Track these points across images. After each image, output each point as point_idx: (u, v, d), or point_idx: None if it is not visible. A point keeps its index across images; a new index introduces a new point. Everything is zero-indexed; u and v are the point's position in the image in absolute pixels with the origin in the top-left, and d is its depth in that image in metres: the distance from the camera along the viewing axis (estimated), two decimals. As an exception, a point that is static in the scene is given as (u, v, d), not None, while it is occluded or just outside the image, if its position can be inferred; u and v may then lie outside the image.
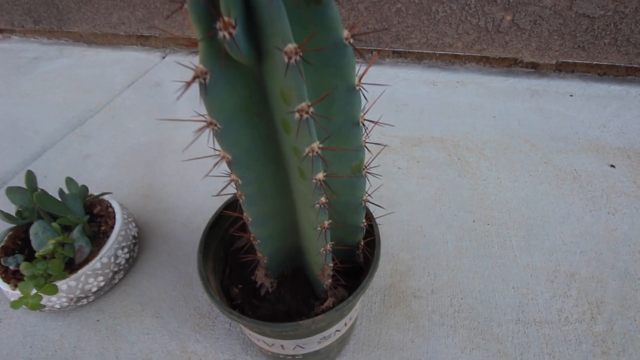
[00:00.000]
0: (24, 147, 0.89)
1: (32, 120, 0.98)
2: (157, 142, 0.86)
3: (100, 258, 0.52)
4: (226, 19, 0.16)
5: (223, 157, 0.22)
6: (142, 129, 0.91)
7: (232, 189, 0.72)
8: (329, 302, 0.32)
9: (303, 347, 0.37)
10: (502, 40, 0.96)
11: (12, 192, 0.55)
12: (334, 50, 0.19)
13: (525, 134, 0.81)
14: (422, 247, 0.60)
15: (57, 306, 0.52)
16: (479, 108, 0.90)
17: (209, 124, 0.20)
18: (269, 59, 0.18)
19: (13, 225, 0.58)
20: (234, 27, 0.16)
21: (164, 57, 1.26)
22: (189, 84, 0.19)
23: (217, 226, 0.40)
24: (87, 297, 0.53)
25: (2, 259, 0.51)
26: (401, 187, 0.71)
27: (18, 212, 0.55)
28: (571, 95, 0.92)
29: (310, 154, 0.20)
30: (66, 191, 0.59)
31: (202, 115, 0.21)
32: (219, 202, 0.70)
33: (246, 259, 0.40)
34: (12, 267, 0.51)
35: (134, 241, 0.59)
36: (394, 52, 1.07)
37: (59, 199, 0.56)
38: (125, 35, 1.32)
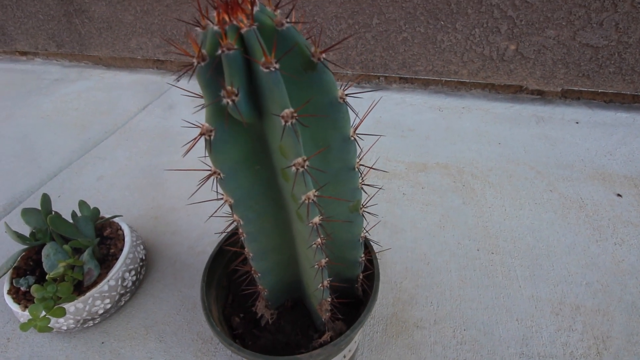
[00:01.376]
0: (41, 167, 0.92)
1: (49, 141, 1.02)
2: (168, 164, 0.89)
3: (108, 281, 0.54)
4: (229, 88, 0.18)
5: (226, 201, 0.24)
6: (154, 151, 0.94)
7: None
8: (326, 336, 0.33)
9: (302, 379, 0.37)
10: (506, 68, 0.98)
11: (27, 213, 0.58)
12: (330, 107, 0.20)
13: (530, 161, 0.81)
14: (426, 275, 0.60)
15: (64, 328, 0.53)
16: (484, 134, 0.91)
17: (213, 172, 0.22)
18: (268, 119, 0.20)
19: (26, 246, 0.60)
20: (236, 95, 0.18)
21: (178, 81, 1.30)
22: (195, 140, 0.21)
23: (221, 255, 0.41)
24: (93, 319, 0.54)
25: (14, 280, 0.53)
26: (405, 214, 0.71)
27: (32, 234, 0.57)
28: (577, 123, 0.92)
29: (307, 201, 0.22)
30: (79, 213, 0.61)
31: (207, 165, 0.23)
32: (225, 226, 0.71)
33: (247, 290, 0.41)
34: (23, 288, 0.53)
35: (141, 264, 0.61)
36: (400, 78, 1.09)
37: (72, 221, 0.58)
38: (143, 59, 1.38)
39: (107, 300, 0.54)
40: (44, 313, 0.46)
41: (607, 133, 0.88)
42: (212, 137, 0.20)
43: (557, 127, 0.91)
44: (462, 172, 0.80)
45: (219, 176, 0.22)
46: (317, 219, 0.23)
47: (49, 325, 0.46)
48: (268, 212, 0.26)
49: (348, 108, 0.21)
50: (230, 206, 0.24)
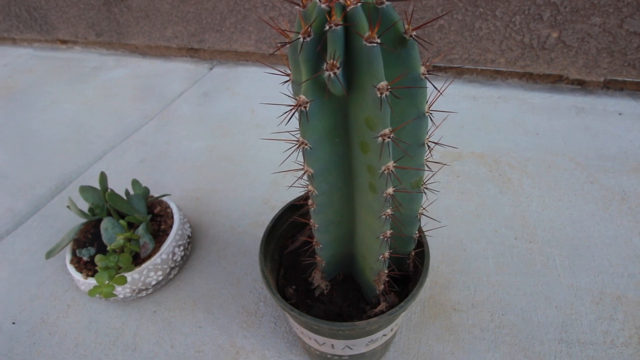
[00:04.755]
0: (87, 149, 0.98)
1: (94, 125, 1.08)
2: (206, 149, 0.92)
3: (161, 254, 0.57)
4: (333, 62, 0.19)
5: (306, 171, 0.25)
6: (192, 136, 0.98)
7: (277, 201, 0.76)
8: (382, 306, 0.35)
9: (351, 348, 0.39)
10: (547, 57, 0.95)
11: (84, 190, 0.62)
12: (413, 82, 0.22)
13: (570, 152, 0.80)
14: (462, 261, 0.61)
15: (121, 296, 0.57)
16: (521, 124, 0.89)
17: (302, 143, 0.24)
18: (359, 92, 0.21)
19: (84, 220, 0.64)
20: (338, 68, 0.19)
21: (211, 69, 1.34)
22: (293, 109, 0.22)
23: (274, 230, 0.44)
24: (146, 289, 0.58)
25: (76, 251, 0.57)
26: (441, 202, 0.72)
27: (90, 209, 0.61)
28: (620, 114, 0.89)
29: (386, 172, 0.23)
30: (131, 192, 0.65)
31: (294, 135, 0.25)
32: (263, 209, 0.74)
33: (302, 262, 0.43)
34: (85, 258, 0.57)
35: (188, 240, 0.64)
36: (434, 67, 1.08)
37: (125, 199, 0.62)
38: (177, 47, 1.42)
39: (160, 273, 0.58)
40: (108, 281, 0.50)
41: (653, 125, 0.85)
42: (307, 109, 0.21)
43: (599, 118, 0.89)
44: (498, 161, 0.79)
45: (306, 146, 0.23)
46: (391, 190, 0.25)
47: (112, 292, 0.50)
48: (338, 185, 0.28)
49: (427, 85, 0.22)
50: (310, 176, 0.26)
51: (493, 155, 0.81)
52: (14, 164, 0.95)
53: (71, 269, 0.56)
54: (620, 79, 0.94)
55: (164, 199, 0.67)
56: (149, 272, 0.56)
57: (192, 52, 1.42)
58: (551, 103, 0.95)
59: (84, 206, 0.77)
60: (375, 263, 0.32)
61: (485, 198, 0.71)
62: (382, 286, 0.34)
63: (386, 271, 0.33)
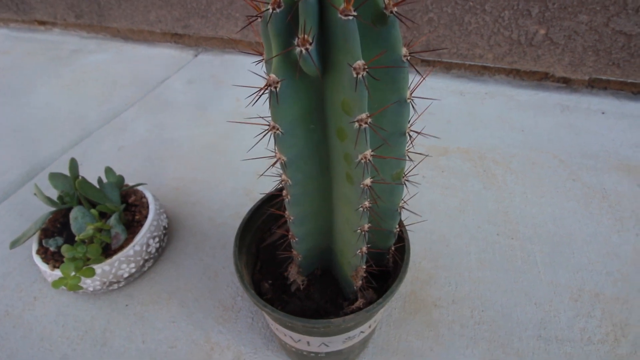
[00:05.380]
0: (63, 135, 0.93)
1: (71, 110, 1.03)
2: (188, 137, 0.89)
3: (134, 246, 0.55)
4: (304, 36, 0.17)
5: (279, 159, 0.24)
6: (174, 124, 0.94)
7: (259, 192, 0.74)
8: (359, 302, 0.33)
9: (328, 346, 0.38)
10: (534, 54, 0.95)
11: (54, 177, 0.59)
12: (392, 65, 0.20)
13: (554, 149, 0.80)
14: (445, 256, 0.60)
15: (91, 289, 0.54)
16: (507, 121, 0.89)
17: (272, 127, 0.22)
18: (334, 72, 0.19)
19: (53, 209, 0.61)
20: (310, 44, 0.17)
21: (196, 56, 1.29)
22: (262, 89, 0.20)
23: (251, 222, 0.42)
24: (118, 282, 0.56)
25: (43, 241, 0.54)
26: (424, 197, 0.71)
27: (59, 197, 0.58)
28: (603, 113, 0.90)
29: (363, 161, 0.22)
30: (104, 180, 0.62)
31: (264, 119, 0.23)
32: (245, 200, 0.72)
33: (278, 256, 0.42)
34: (52, 249, 0.54)
35: (164, 231, 0.62)
36: (422, 60, 1.07)
37: (97, 187, 0.59)
38: (161, 32, 1.37)
39: (132, 265, 0.56)
40: (74, 272, 0.47)
41: (635, 125, 0.86)
42: (277, 89, 0.20)
43: (583, 116, 0.89)
44: (484, 157, 0.79)
45: (277, 131, 0.22)
46: (368, 181, 0.23)
47: (79, 285, 0.48)
48: (313, 175, 0.26)
49: (408, 69, 0.21)
50: (283, 164, 0.24)
51: (479, 151, 0.81)
52: (-17, 149, 0.91)
53: (37, 259, 0.53)
54: (604, 77, 0.94)
55: (140, 188, 0.64)
56: (121, 264, 0.54)
57: (177, 38, 1.37)
58: (537, 100, 0.95)
59: (54, 194, 0.73)
60: (353, 258, 0.31)
61: (470, 194, 0.71)
62: (360, 282, 0.33)
63: (364, 267, 0.32)
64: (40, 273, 0.60)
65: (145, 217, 0.59)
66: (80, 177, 0.57)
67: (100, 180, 0.60)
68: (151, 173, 0.79)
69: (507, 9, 0.90)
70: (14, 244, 0.53)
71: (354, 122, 0.20)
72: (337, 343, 0.38)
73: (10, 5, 1.57)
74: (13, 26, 1.65)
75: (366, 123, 0.20)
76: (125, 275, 0.55)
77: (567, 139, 0.83)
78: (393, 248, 0.36)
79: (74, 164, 0.58)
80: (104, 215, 0.59)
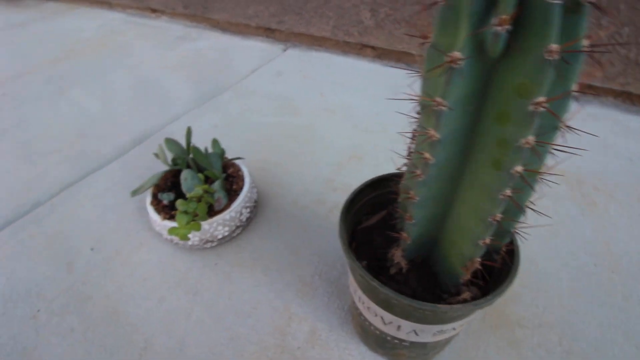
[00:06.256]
0: (166, 110, 1.04)
1: (173, 88, 1.15)
2: (274, 124, 0.95)
3: (231, 211, 0.60)
4: (505, 17, 0.18)
5: (430, 137, 0.25)
6: (262, 110, 1.01)
7: (341, 182, 0.76)
8: (466, 294, 0.33)
9: (417, 334, 0.39)
10: (654, 79, 0.86)
11: (169, 142, 0.66)
12: (572, 55, 0.20)
13: (669, 185, 0.72)
14: (533, 276, 0.57)
15: (190, 243, 0.60)
16: (612, 147, 0.82)
17: (438, 104, 0.23)
18: (517, 54, 0.20)
19: (166, 169, 0.69)
20: (510, 25, 0.18)
21: (285, 50, 1.37)
22: (441, 65, 0.22)
23: (353, 203, 0.44)
24: (212, 241, 0.61)
25: (158, 194, 0.61)
26: (512, 212, 0.68)
27: (173, 159, 0.65)
28: None
29: (526, 146, 0.22)
30: (209, 150, 0.69)
31: (430, 97, 0.24)
32: (326, 189, 0.74)
33: (375, 240, 0.43)
34: (164, 202, 0.61)
35: (254, 204, 0.66)
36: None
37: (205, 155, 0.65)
38: (256, 26, 1.47)
39: (227, 228, 0.60)
40: (186, 224, 0.53)
41: None
42: (457, 67, 0.21)
43: None
44: (582, 182, 0.73)
45: (443, 108, 0.23)
46: (520, 168, 0.23)
47: (187, 235, 0.53)
48: (453, 157, 0.27)
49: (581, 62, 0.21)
50: (432, 143, 0.25)
51: (577, 175, 0.75)
52: (104, 112, 1.05)
53: (150, 209, 0.60)
54: None
55: (237, 161, 0.70)
56: (218, 225, 0.59)
57: (269, 33, 1.46)
58: (651, 130, 0.86)
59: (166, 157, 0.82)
60: (469, 248, 0.31)
61: (564, 217, 0.66)
62: (468, 276, 0.33)
63: (479, 259, 0.31)
64: (147, 223, 0.68)
65: (241, 188, 0.64)
66: (192, 145, 0.64)
67: (206, 150, 0.66)
68: (240, 152, 0.85)
69: (628, 25, 0.83)
70: (134, 193, 0.61)
71: (530, 105, 0.20)
72: (427, 334, 0.38)
73: (131, -7, 1.79)
74: (130, 11, 1.88)
75: (543, 107, 0.20)
76: (219, 236, 0.61)
77: (686, 176, 0.73)
78: (504, 248, 0.35)
79: (189, 132, 0.65)
80: (207, 180, 0.65)
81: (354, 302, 0.46)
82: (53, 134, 0.97)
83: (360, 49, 1.28)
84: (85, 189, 0.77)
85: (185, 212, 0.53)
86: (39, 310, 0.56)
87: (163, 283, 0.58)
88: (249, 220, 0.66)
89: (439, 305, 0.31)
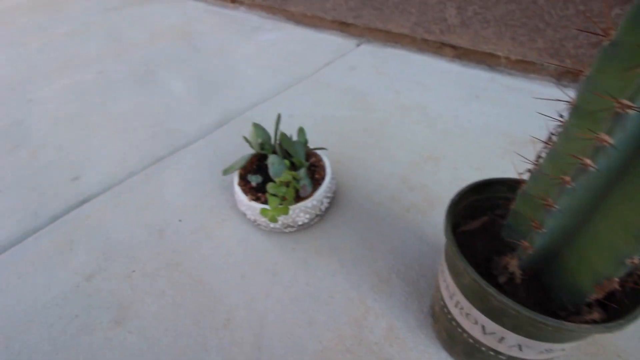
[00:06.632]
0: (245, 96, 1.09)
1: (251, 76, 1.19)
2: (348, 118, 0.95)
3: (313, 200, 0.61)
4: None
5: (602, 141, 0.23)
6: (336, 103, 1.01)
7: (417, 182, 0.74)
8: (595, 315, 0.31)
9: (521, 350, 0.37)
10: None
11: (257, 128, 0.68)
12: None
13: None
14: (637, 307, 0.52)
15: (271, 225, 0.62)
16: None
17: (628, 107, 0.21)
18: None
19: (253, 152, 0.72)
20: None
21: (358, 45, 1.36)
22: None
23: (456, 205, 0.42)
24: (292, 227, 0.63)
25: (248, 175, 0.64)
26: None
27: (260, 144, 0.68)
28: None
29: None
30: (294, 138, 0.70)
31: (614, 99, 0.22)
32: (401, 186, 0.73)
33: (473, 244, 0.41)
34: (252, 184, 0.64)
35: (333, 195, 0.67)
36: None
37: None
38: (331, 20, 1.47)
39: (307, 216, 0.62)
40: (277, 206, 0.55)
41: None
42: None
43: None
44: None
45: (632, 110, 0.21)
46: None
47: (276, 217, 0.55)
48: (613, 166, 0.25)
49: None
50: (600, 147, 0.23)
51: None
52: (189, 94, 1.11)
53: (238, 190, 0.63)
54: None
55: (319, 152, 0.71)
56: (300, 212, 0.60)
57: (343, 27, 1.46)
58: None
59: (238, 141, 0.86)
60: (609, 266, 0.28)
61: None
62: (601, 295, 0.30)
63: (617, 279, 0.29)
64: (229, 201, 0.72)
65: (323, 177, 0.65)
66: (281, 132, 0.66)
67: (291, 137, 0.68)
68: (314, 143, 0.87)
69: None
70: (226, 172, 0.64)
71: None
72: (533, 351, 0.36)
73: (214, -16, 1.88)
74: (209, 1, 1.98)
75: None
76: (300, 223, 0.62)
77: None
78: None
79: (279, 119, 0.67)
80: (292, 167, 0.66)
81: (443, 307, 0.44)
82: (141, 111, 1.05)
83: (439, 48, 1.24)
84: (174, 164, 0.83)
85: (275, 196, 0.55)
86: (133, 271, 0.62)
87: (244, 260, 0.61)
88: (327, 210, 0.67)
89: (566, 323, 0.29)
